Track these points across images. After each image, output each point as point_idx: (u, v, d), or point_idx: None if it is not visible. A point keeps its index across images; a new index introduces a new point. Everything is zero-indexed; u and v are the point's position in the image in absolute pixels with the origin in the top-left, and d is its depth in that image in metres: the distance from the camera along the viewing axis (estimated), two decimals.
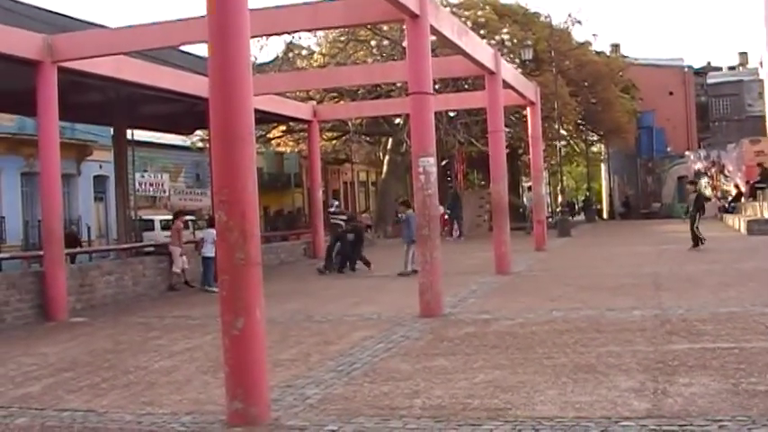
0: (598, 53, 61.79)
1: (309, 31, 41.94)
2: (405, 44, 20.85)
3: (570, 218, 54.78)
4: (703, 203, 31.26)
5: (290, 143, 53.40)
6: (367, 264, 27.29)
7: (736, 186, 60.34)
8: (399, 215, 27.31)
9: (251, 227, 8.94)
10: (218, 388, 10.11)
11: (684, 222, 30.16)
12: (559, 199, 55.02)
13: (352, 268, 27.43)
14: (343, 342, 13.81)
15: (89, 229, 47.18)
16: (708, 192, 64.00)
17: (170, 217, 46.38)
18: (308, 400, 9.76)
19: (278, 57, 49.84)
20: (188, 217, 45.33)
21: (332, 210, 30.48)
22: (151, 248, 32.93)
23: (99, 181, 50.77)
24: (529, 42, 46.25)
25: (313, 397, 9.92)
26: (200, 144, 49.86)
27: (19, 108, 28.95)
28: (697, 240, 29.04)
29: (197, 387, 10.92)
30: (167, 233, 39.44)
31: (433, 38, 18.51)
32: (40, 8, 24.13)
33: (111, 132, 38.13)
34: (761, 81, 69.48)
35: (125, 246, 31.60)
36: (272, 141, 52.67)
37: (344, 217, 29.03)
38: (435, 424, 8.48)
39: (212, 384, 10.84)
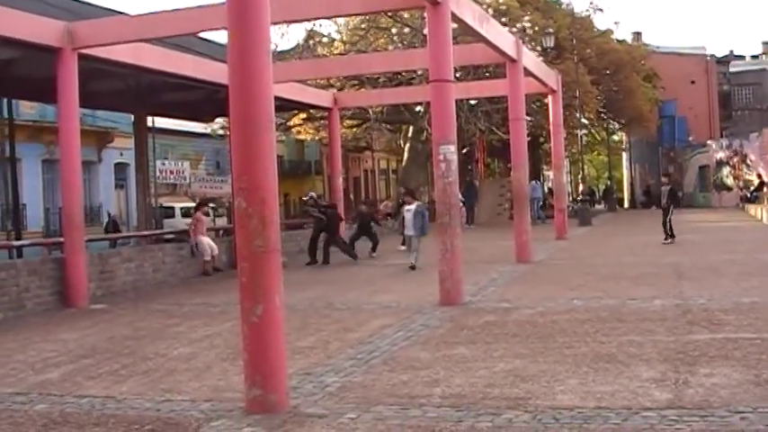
0: (620, 41, 61.62)
1: (330, 18, 41.86)
2: (426, 31, 20.73)
3: (591, 206, 54.61)
4: (677, 196, 30.49)
5: (311, 131, 53.44)
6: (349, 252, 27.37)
7: (759, 176, 60.22)
8: (406, 208, 23.85)
9: (270, 214, 8.91)
10: (237, 375, 10.11)
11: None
12: (580, 187, 54.82)
13: (325, 260, 26.94)
14: (362, 330, 13.79)
15: (110, 215, 47.31)
16: (729, 181, 63.81)
17: (191, 204, 46.68)
18: (328, 388, 9.74)
19: (298, 44, 49.79)
20: (209, 204, 45.55)
21: (305, 198, 29.90)
22: (171, 236, 32.97)
23: (120, 168, 50.98)
24: (550, 30, 46.09)
25: (332, 385, 9.90)
26: (220, 131, 49.87)
27: (40, 95, 28.92)
28: (670, 233, 28.53)
29: (216, 374, 10.92)
30: (188, 220, 39.63)
31: (455, 25, 18.44)
32: None
33: (132, 120, 38.20)
34: None
35: (145, 233, 31.63)
36: (293, 129, 52.70)
37: (321, 210, 27.92)
38: (455, 413, 8.44)
39: (231, 371, 10.84)
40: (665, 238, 28.21)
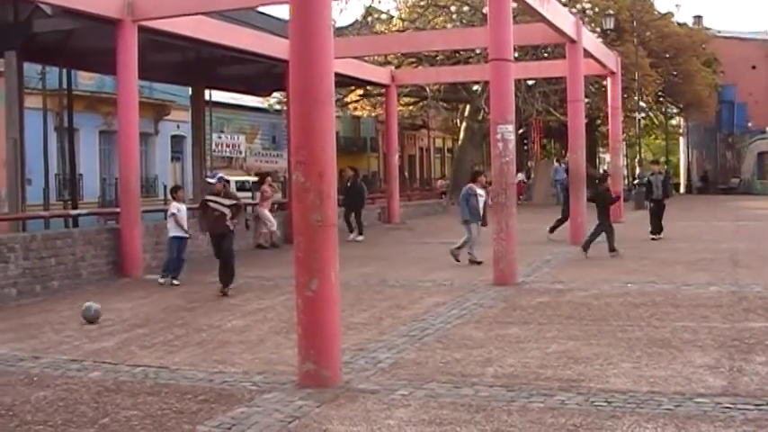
0: (680, 24, 60.96)
1: None
2: (485, 10, 20.63)
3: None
4: (671, 186, 25.89)
5: (367, 107, 53.45)
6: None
7: None
8: (479, 190, 19.81)
9: (328, 188, 8.91)
10: (290, 349, 10.16)
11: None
12: (637, 171, 54.35)
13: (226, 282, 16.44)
14: (415, 307, 13.81)
15: (165, 188, 47.55)
16: None
17: (246, 178, 46.90)
18: (380, 365, 9.77)
19: (357, 20, 49.85)
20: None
21: (211, 181, 17.73)
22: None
23: (176, 141, 51.16)
24: (611, 11, 45.77)
25: (385, 361, 9.93)
26: (277, 106, 50.01)
27: (99, 66, 29.16)
28: (660, 228, 24.93)
29: (269, 347, 10.98)
30: (243, 194, 39.72)
31: (514, 4, 18.34)
32: None
33: (189, 92, 38.36)
34: None
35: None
36: (349, 105, 52.69)
37: (230, 201, 16.82)
38: (507, 393, 8.44)
39: (284, 345, 10.89)
40: (655, 233, 24.89)
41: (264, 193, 26.13)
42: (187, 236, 18.55)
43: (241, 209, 17.58)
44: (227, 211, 16.48)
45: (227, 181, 18.87)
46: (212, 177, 17.56)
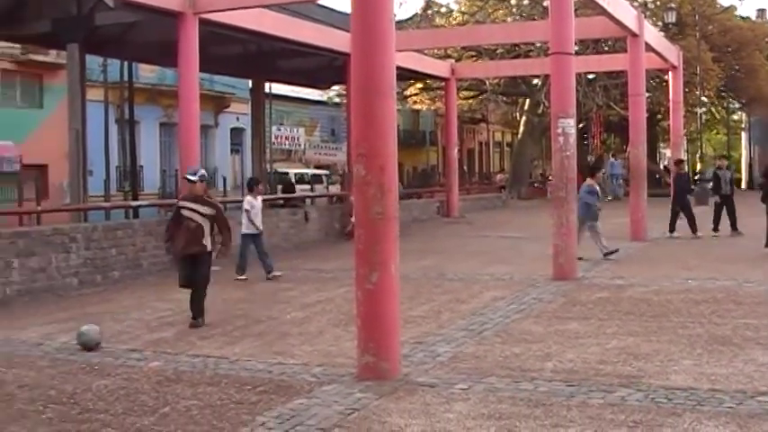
0: (743, 18, 60.28)
1: None
2: (545, 3, 20.53)
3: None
4: (733, 185, 24.61)
5: (427, 101, 53.40)
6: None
7: None
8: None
9: (389, 181, 8.89)
10: (349, 341, 10.17)
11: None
12: (698, 167, 53.84)
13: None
14: (474, 301, 13.78)
15: (225, 180, 47.81)
16: None
17: (305, 170, 47.06)
18: (439, 358, 9.75)
19: (417, 14, 49.86)
20: (323, 171, 45.80)
21: (192, 178, 13.12)
22: (287, 200, 33.18)
23: (235, 133, 51.44)
24: (672, 5, 45.42)
25: (443, 355, 9.91)
26: (336, 99, 50.11)
27: (160, 59, 29.42)
28: (734, 224, 24.41)
29: (328, 339, 11.00)
30: (303, 186, 39.88)
31: None
32: None
33: (249, 85, 38.50)
34: None
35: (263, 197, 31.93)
36: (409, 98, 52.68)
37: (209, 210, 12.85)
38: (567, 388, 8.39)
39: (343, 337, 10.90)
40: (734, 229, 24.40)
41: None
42: (258, 232, 17.69)
43: (223, 223, 13.02)
44: (204, 222, 12.71)
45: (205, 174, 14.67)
46: (192, 174, 13.25)
